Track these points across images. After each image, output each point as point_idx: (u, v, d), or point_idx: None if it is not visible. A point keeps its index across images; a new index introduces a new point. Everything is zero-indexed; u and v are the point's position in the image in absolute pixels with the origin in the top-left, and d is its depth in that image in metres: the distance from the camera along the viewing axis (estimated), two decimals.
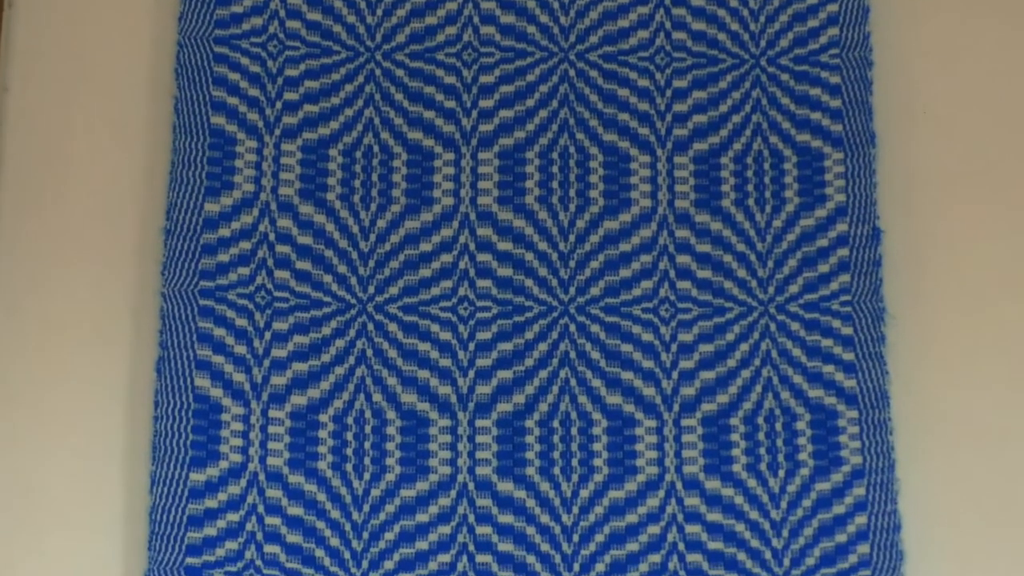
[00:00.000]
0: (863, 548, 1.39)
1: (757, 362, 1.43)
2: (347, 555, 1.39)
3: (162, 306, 1.43)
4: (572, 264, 1.45)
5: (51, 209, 1.47)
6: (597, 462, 1.42)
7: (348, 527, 1.40)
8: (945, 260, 1.47)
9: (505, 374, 1.43)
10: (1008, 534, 1.41)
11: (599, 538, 1.40)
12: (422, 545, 1.40)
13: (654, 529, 1.40)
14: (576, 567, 1.39)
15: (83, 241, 1.47)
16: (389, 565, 1.39)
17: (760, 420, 1.42)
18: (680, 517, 1.40)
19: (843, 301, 1.43)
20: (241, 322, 1.43)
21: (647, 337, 1.44)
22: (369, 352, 1.43)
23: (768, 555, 1.39)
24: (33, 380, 1.44)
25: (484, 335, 1.44)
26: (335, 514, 1.40)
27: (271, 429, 1.41)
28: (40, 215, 1.47)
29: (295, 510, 1.40)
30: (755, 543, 1.39)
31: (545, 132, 1.48)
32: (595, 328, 1.44)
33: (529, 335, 1.44)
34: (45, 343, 1.44)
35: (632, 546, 1.40)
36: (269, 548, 1.39)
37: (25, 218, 1.47)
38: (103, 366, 1.44)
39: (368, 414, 1.42)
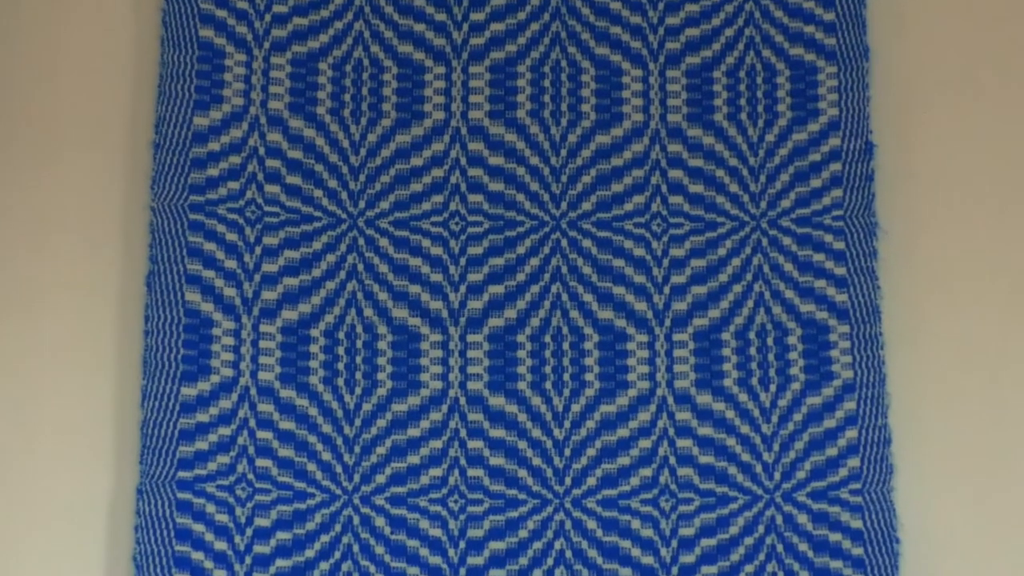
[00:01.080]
0: (853, 462, 1.39)
1: (749, 277, 1.43)
2: (339, 469, 1.39)
3: (151, 220, 1.42)
4: (564, 179, 1.45)
5: (39, 124, 1.46)
6: (588, 376, 1.42)
7: (340, 441, 1.40)
8: (938, 175, 1.46)
9: (496, 289, 1.43)
10: (998, 446, 1.41)
11: (590, 452, 1.40)
12: (414, 459, 1.40)
13: (645, 443, 1.40)
14: (567, 481, 1.40)
15: (72, 154, 1.46)
16: (381, 479, 1.39)
17: (752, 335, 1.42)
18: (671, 431, 1.40)
19: (835, 216, 1.43)
20: (231, 237, 1.42)
21: (639, 252, 1.43)
22: (360, 267, 1.43)
23: (759, 469, 1.39)
24: (22, 295, 1.43)
25: (475, 250, 1.44)
26: (327, 428, 1.40)
27: (262, 344, 1.41)
28: (28, 131, 1.46)
29: (287, 424, 1.40)
30: (746, 457, 1.40)
31: (537, 46, 1.47)
32: (587, 243, 1.43)
33: (520, 250, 1.44)
34: (34, 256, 1.43)
35: (623, 460, 1.40)
36: (261, 462, 1.39)
37: (13, 132, 1.46)
38: (93, 281, 1.43)
39: (359, 329, 1.42)
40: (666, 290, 1.43)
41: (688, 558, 1.38)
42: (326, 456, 1.39)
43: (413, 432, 1.40)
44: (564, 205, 1.44)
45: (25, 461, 1.40)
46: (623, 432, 1.41)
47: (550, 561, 1.38)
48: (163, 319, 1.40)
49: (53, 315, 1.43)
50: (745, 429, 1.40)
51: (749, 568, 1.38)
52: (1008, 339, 1.43)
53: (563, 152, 1.45)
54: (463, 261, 1.43)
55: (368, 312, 1.42)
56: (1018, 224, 1.45)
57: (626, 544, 1.38)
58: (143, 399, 1.39)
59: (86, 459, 1.40)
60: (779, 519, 1.38)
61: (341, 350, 1.41)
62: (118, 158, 1.46)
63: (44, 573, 1.38)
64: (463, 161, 1.45)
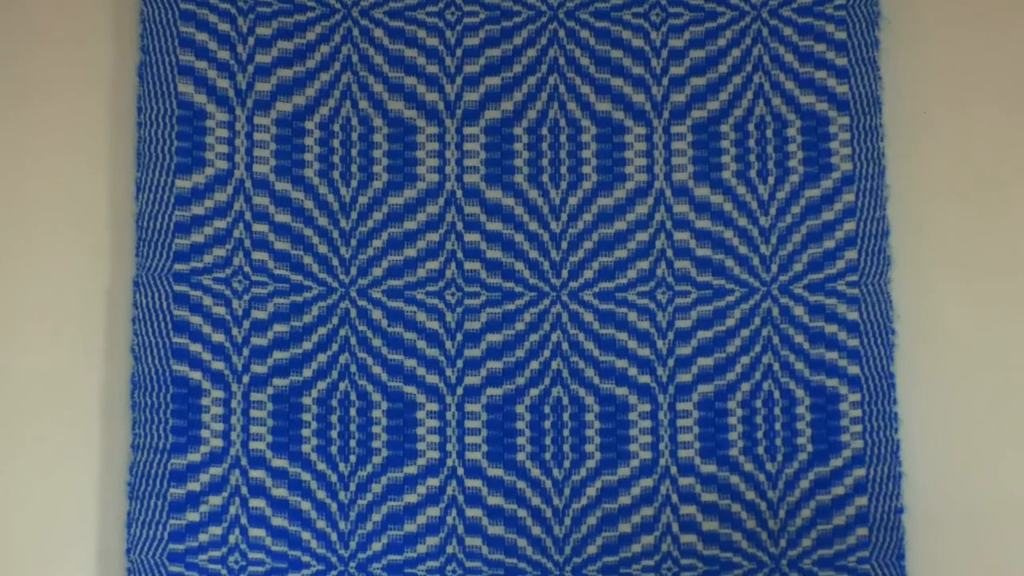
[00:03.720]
0: (851, 254, 1.39)
1: (749, 67, 1.41)
2: (335, 262, 1.39)
3: (142, 10, 1.40)
4: None
5: None
6: (586, 169, 1.40)
7: (336, 234, 1.39)
8: None
9: (493, 80, 1.41)
10: (997, 238, 1.40)
11: (587, 245, 1.40)
12: (410, 252, 1.39)
13: (643, 236, 1.40)
14: (564, 274, 1.39)
15: None
16: (377, 272, 1.39)
17: (751, 127, 1.41)
18: (669, 224, 1.40)
19: (837, 4, 1.41)
20: (224, 27, 1.40)
21: (637, 43, 1.41)
22: (355, 58, 1.41)
23: (756, 261, 1.39)
24: (13, 92, 1.41)
25: (472, 41, 1.41)
26: (323, 221, 1.39)
27: (256, 136, 1.40)
28: None
29: (282, 217, 1.39)
30: (743, 249, 1.39)
31: None
32: (584, 33, 1.41)
33: (517, 40, 1.41)
34: (25, 53, 1.42)
35: (620, 253, 1.40)
36: (257, 254, 1.38)
37: None
38: (84, 74, 1.41)
39: (355, 121, 1.40)
40: (664, 81, 1.41)
41: (684, 350, 1.38)
42: (322, 249, 1.39)
43: (410, 225, 1.40)
44: None
45: (20, 255, 1.40)
46: (620, 225, 1.40)
47: (547, 353, 1.38)
48: (156, 110, 1.38)
49: (45, 112, 1.41)
50: (743, 221, 1.40)
51: (745, 360, 1.38)
52: (1010, 130, 1.41)
53: None
54: (459, 52, 1.41)
55: (363, 104, 1.41)
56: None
57: (623, 336, 1.38)
58: (137, 191, 1.38)
59: (82, 253, 1.40)
60: (776, 311, 1.38)
61: (336, 142, 1.40)
62: None
63: (43, 364, 1.38)
64: None
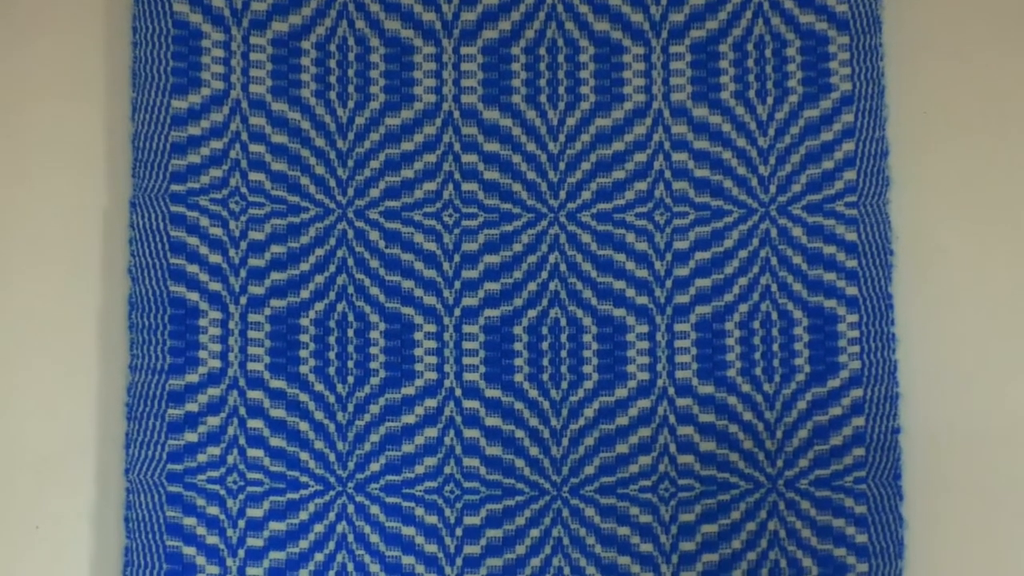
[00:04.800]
0: (850, 174, 1.38)
1: None
2: (332, 183, 1.38)
3: None
4: None
5: None
6: (584, 90, 1.40)
7: (333, 155, 1.38)
8: None
9: (490, 0, 1.40)
10: (996, 159, 1.40)
11: (585, 165, 1.39)
12: (408, 173, 1.39)
13: (640, 157, 1.39)
14: (562, 195, 1.39)
15: None
16: (375, 192, 1.38)
17: (750, 47, 1.40)
18: (667, 145, 1.39)
19: None
20: None
21: None
22: None
23: (755, 182, 1.39)
24: (6, 11, 1.41)
25: None
26: (320, 142, 1.39)
27: (253, 56, 1.39)
28: None
29: (279, 138, 1.38)
30: (742, 170, 1.39)
31: None
32: None
33: None
34: None
35: (618, 174, 1.39)
36: (254, 175, 1.38)
37: None
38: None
39: (351, 41, 1.40)
40: (663, 2, 1.40)
41: (682, 271, 1.38)
42: (319, 170, 1.38)
43: (407, 146, 1.39)
44: None
45: (15, 177, 1.39)
46: (618, 146, 1.39)
47: (544, 274, 1.38)
48: (151, 30, 1.38)
49: (38, 32, 1.41)
50: (741, 142, 1.39)
51: (743, 281, 1.38)
52: (1012, 49, 1.41)
53: None
54: None
55: (360, 24, 1.40)
56: None
57: (620, 257, 1.38)
58: (133, 112, 1.37)
59: (79, 174, 1.39)
60: (774, 232, 1.38)
61: (333, 62, 1.39)
62: None
63: (40, 286, 1.38)
64: None
